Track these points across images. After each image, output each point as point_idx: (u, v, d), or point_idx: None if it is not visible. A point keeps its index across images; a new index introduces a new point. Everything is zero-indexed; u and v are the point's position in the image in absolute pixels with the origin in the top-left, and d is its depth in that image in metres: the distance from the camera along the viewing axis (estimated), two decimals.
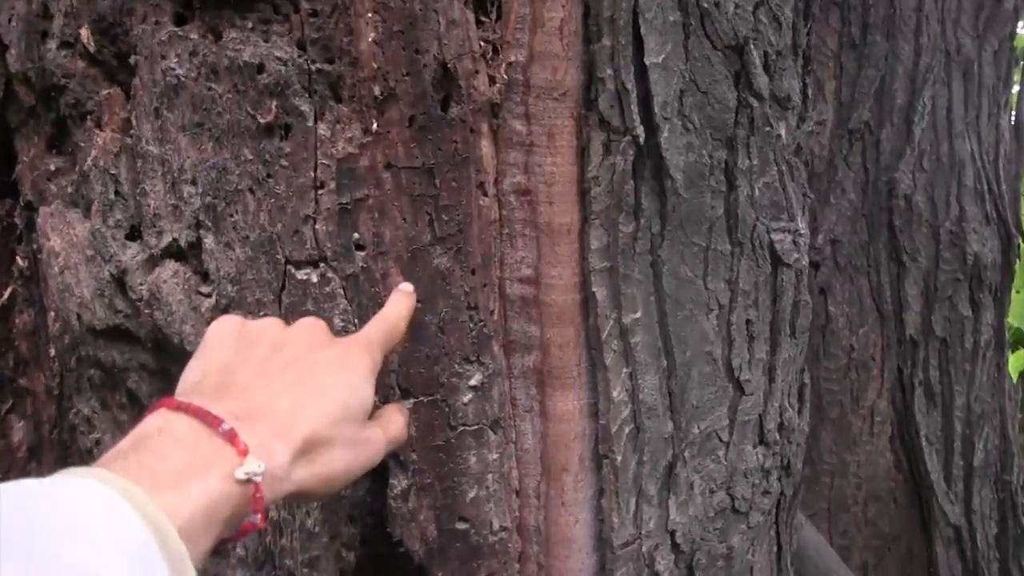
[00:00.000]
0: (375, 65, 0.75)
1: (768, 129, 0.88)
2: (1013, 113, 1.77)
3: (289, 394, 0.61)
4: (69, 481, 0.48)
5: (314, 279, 0.77)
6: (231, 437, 0.55)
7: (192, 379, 0.61)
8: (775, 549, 1.03)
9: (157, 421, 0.55)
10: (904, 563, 1.57)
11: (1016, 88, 2.02)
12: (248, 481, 0.54)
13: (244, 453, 0.54)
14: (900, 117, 1.55)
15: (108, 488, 0.47)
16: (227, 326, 0.66)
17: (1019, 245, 1.71)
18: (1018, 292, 2.53)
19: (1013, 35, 1.72)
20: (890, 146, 1.55)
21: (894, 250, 1.55)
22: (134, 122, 0.80)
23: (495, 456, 0.81)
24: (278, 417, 0.59)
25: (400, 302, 0.75)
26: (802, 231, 0.95)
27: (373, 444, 0.66)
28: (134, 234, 0.83)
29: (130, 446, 0.53)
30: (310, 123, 0.76)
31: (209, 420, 0.55)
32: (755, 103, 0.86)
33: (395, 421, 0.71)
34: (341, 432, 0.62)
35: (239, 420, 0.56)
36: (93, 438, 0.92)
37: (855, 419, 1.56)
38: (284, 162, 0.76)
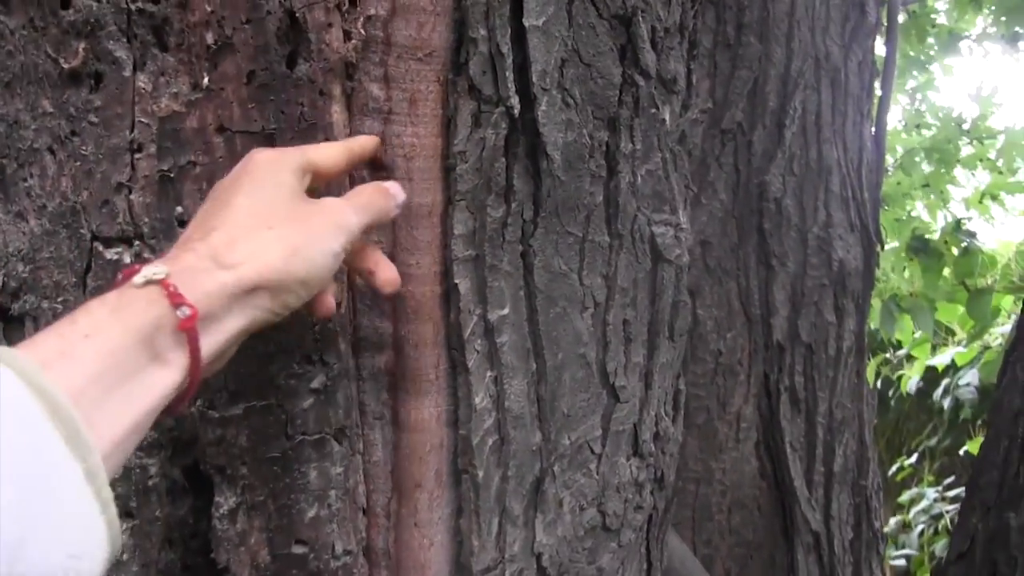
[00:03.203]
0: (208, 8, 0.64)
1: (654, 111, 0.81)
2: (873, 125, 1.79)
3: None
4: None
5: (127, 259, 0.66)
6: (130, 274, 0.53)
7: (203, 227, 0.58)
8: (645, 567, 0.96)
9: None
10: (766, 571, 1.54)
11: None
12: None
13: (134, 272, 0.53)
14: (772, 120, 1.52)
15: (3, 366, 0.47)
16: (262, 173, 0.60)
17: (878, 253, 1.71)
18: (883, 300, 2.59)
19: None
20: (761, 148, 1.52)
21: (763, 254, 1.52)
22: None
23: (339, 470, 0.71)
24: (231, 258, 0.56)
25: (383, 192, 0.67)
26: (683, 225, 0.88)
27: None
28: None
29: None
30: (127, 73, 0.64)
31: (127, 273, 0.53)
32: (641, 81, 0.78)
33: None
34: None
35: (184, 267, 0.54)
36: None
37: (721, 425, 1.52)
38: (93, 118, 0.64)
